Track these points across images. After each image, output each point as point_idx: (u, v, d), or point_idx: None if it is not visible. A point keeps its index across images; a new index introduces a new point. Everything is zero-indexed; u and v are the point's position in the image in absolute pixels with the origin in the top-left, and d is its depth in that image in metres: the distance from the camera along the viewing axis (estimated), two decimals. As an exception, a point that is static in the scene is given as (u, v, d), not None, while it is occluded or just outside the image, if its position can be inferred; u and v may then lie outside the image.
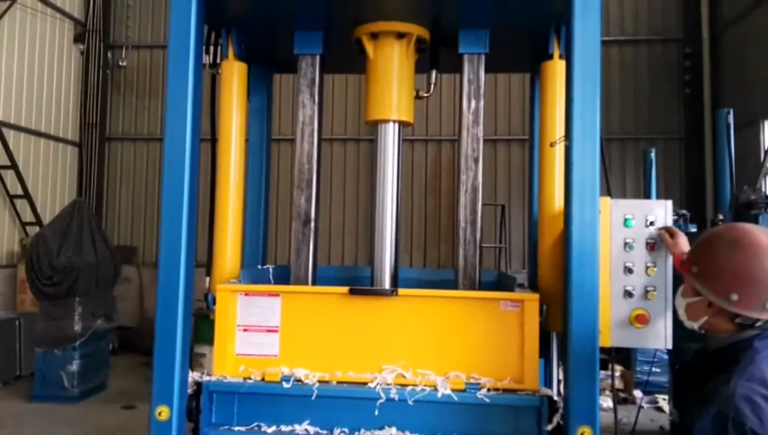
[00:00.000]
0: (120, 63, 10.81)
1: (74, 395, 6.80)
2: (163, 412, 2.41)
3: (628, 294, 2.50)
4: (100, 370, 7.35)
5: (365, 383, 2.43)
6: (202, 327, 6.18)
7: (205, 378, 2.49)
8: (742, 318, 1.67)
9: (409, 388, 2.39)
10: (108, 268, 7.12)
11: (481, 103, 2.82)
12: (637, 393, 7.05)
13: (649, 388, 6.82)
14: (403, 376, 2.43)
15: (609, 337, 2.46)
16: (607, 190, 2.60)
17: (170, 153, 2.44)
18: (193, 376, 2.49)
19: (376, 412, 2.39)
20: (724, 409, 1.54)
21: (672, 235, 2.43)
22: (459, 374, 2.42)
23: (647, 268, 2.49)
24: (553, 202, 2.78)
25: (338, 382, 2.45)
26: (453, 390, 2.37)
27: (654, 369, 6.85)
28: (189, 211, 2.46)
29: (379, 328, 2.51)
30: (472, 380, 2.41)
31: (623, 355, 7.60)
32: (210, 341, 2.62)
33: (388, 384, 2.41)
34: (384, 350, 2.48)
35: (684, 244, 2.38)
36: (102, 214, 10.56)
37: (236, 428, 2.48)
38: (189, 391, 2.45)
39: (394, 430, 2.39)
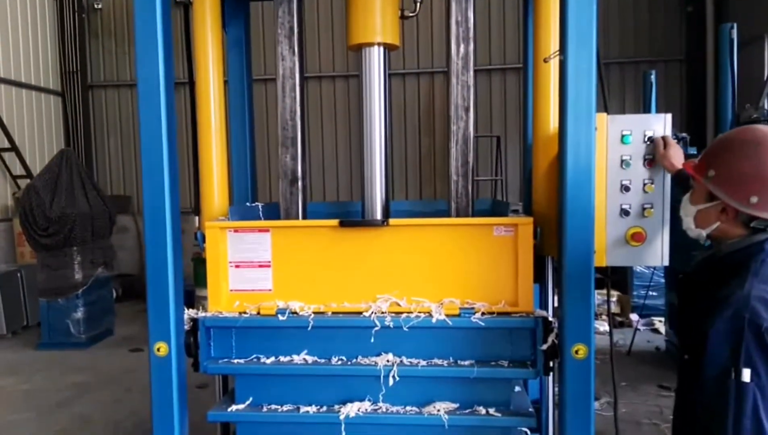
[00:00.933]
0: (95, 5, 10.45)
1: (82, 341, 6.93)
2: (161, 348, 2.42)
3: (625, 212, 2.46)
4: (106, 316, 7.46)
5: (360, 313, 2.43)
6: (200, 271, 6.22)
7: (201, 314, 2.49)
8: (758, 221, 1.63)
9: (404, 315, 2.40)
10: (102, 217, 7.11)
11: (471, 46, 2.65)
12: (633, 316, 7.17)
13: (645, 312, 6.93)
14: (398, 305, 2.44)
15: (605, 256, 2.45)
16: (605, 108, 2.52)
17: (144, 94, 2.33)
18: (189, 313, 2.50)
19: (372, 340, 2.40)
20: (740, 311, 1.52)
21: (666, 145, 2.37)
22: (453, 300, 2.43)
23: (644, 185, 2.45)
24: (548, 124, 2.69)
25: (333, 313, 2.46)
26: (447, 315, 2.37)
27: (651, 293, 6.94)
28: (169, 148, 2.38)
29: (371, 259, 2.49)
30: (466, 305, 2.41)
31: (619, 278, 7.69)
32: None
33: (382, 312, 2.41)
34: (377, 281, 2.47)
35: (676, 156, 2.33)
36: (92, 164, 10.45)
37: (235, 361, 2.50)
38: (186, 327, 2.46)
39: (390, 356, 2.42)
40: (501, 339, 2.41)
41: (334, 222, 2.50)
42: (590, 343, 2.30)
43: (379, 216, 2.75)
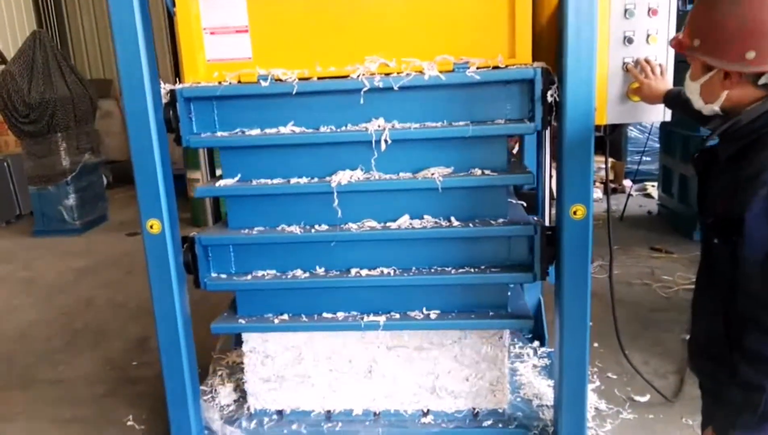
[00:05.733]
0: None
1: (77, 228, 6.94)
2: (154, 226, 2.39)
3: (626, 67, 2.34)
4: (98, 202, 7.43)
5: (347, 76, 2.32)
6: (189, 152, 6.11)
7: (179, 85, 2.38)
8: (766, 76, 1.47)
9: (395, 74, 2.29)
10: (84, 101, 6.85)
11: None
12: (627, 182, 7.18)
13: (638, 177, 6.93)
14: (387, 65, 2.32)
15: (605, 114, 2.35)
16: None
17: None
18: (166, 85, 2.38)
19: (362, 103, 2.32)
20: None
21: (652, 70, 2.24)
22: (447, 57, 2.30)
23: (648, 36, 2.30)
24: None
25: (319, 78, 2.35)
26: (441, 72, 2.26)
27: (644, 158, 6.91)
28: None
29: (357, 18, 2.33)
30: (460, 62, 2.28)
31: (615, 137, 7.61)
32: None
33: (372, 73, 2.30)
34: (365, 41, 2.33)
35: (657, 83, 2.21)
36: (67, 46, 9.94)
37: (219, 134, 2.45)
38: (163, 100, 2.36)
39: (381, 120, 2.36)
40: (498, 96, 2.32)
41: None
42: (588, 204, 2.28)
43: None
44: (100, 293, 5.16)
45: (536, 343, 3.39)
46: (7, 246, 6.77)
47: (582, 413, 2.44)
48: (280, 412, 2.75)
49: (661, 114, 2.38)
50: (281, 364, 2.68)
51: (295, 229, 2.46)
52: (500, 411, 2.66)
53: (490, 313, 2.48)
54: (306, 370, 2.68)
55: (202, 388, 2.86)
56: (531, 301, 3.51)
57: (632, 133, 7.39)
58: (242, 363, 3.18)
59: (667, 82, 2.25)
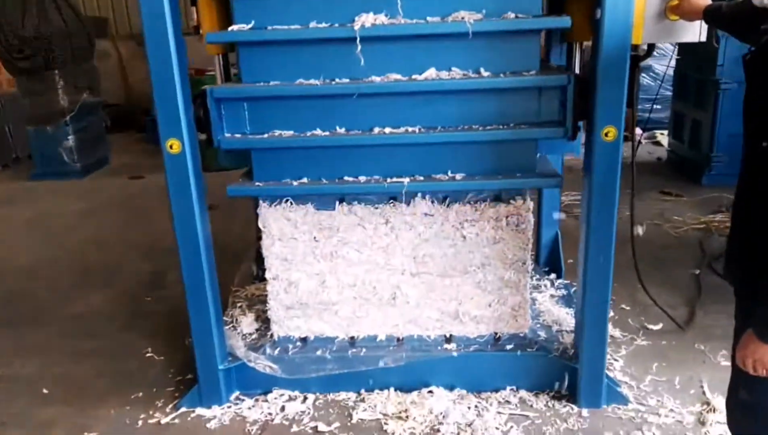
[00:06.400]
0: None
1: (77, 170, 6.83)
2: (174, 145, 2.33)
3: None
4: (99, 144, 7.30)
5: None
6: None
7: None
8: None
9: None
10: (81, 37, 6.66)
11: None
12: (637, 130, 7.13)
13: (649, 126, 6.87)
14: None
15: (641, 33, 2.29)
16: None
17: None
18: None
19: None
20: None
21: None
22: None
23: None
24: None
25: None
26: None
27: (655, 106, 6.84)
28: None
29: None
30: None
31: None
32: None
33: None
34: None
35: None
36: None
37: None
38: None
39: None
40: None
41: None
42: (620, 126, 2.25)
43: None
44: (107, 233, 5.12)
45: (553, 275, 3.41)
46: (6, 189, 6.66)
47: (603, 333, 2.46)
48: (303, 339, 2.76)
49: (697, 34, 2.32)
50: (305, 292, 2.68)
51: (315, 83, 2.35)
52: (521, 335, 2.69)
53: (518, 175, 2.43)
54: (330, 298, 2.68)
55: (223, 318, 2.87)
56: (548, 235, 3.52)
57: (644, 80, 7.29)
58: (261, 295, 3.21)
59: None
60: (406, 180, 2.40)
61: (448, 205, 2.54)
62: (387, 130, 2.37)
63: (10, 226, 5.52)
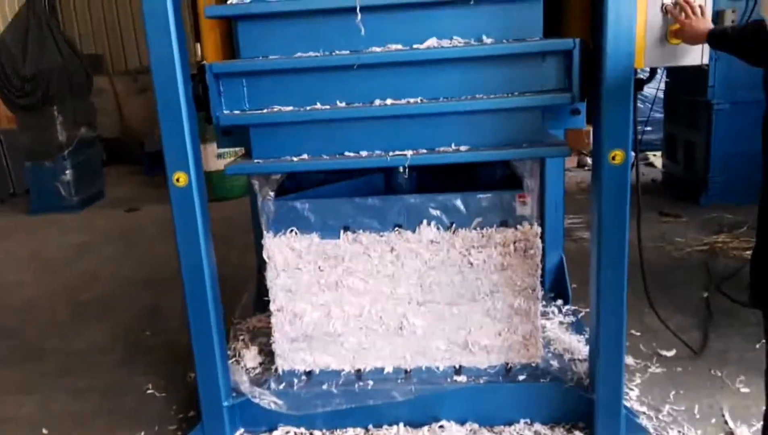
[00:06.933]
0: None
1: (74, 204, 6.81)
2: (180, 178, 2.30)
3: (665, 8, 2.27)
4: (95, 178, 7.30)
5: None
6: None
7: None
8: None
9: None
10: (79, 73, 6.70)
11: None
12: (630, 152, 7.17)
13: (642, 148, 6.91)
14: None
15: (642, 57, 2.29)
16: None
17: None
18: None
19: None
20: None
21: (692, 10, 2.14)
22: None
23: (688, -26, 2.23)
24: None
25: None
26: None
27: (647, 128, 6.88)
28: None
29: None
30: None
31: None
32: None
33: None
34: None
35: (698, 23, 2.12)
36: (58, 21, 9.69)
37: None
38: None
39: None
40: None
41: None
42: (627, 149, 2.23)
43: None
44: (104, 267, 5.07)
45: (560, 302, 3.36)
46: (3, 224, 6.63)
47: (619, 360, 2.38)
48: (309, 373, 2.69)
49: (699, 56, 2.32)
50: (309, 323, 2.63)
51: (314, 55, 2.31)
52: (533, 365, 2.63)
53: (524, 145, 2.34)
54: (335, 329, 2.62)
55: (225, 351, 2.80)
56: (553, 260, 3.48)
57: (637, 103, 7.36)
58: (263, 328, 3.15)
59: (708, 22, 2.19)
60: (409, 153, 2.32)
61: (454, 232, 2.50)
62: (388, 101, 2.31)
63: (7, 260, 5.46)
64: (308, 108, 2.32)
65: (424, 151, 2.34)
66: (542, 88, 2.29)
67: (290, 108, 2.34)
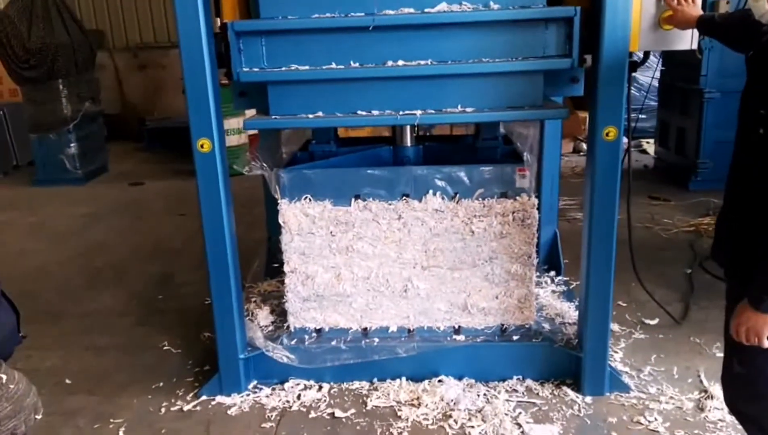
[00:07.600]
0: None
1: (79, 177, 6.94)
2: (204, 145, 2.47)
3: (660, -7, 2.44)
4: (99, 152, 7.42)
5: None
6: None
7: None
8: None
9: None
10: (84, 49, 6.79)
11: None
12: (624, 139, 7.36)
13: (635, 134, 7.11)
14: None
15: (637, 41, 2.47)
16: None
17: None
18: None
19: None
20: None
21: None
22: None
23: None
24: None
25: None
26: None
27: (641, 116, 7.08)
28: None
29: None
30: None
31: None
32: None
33: None
34: None
35: (694, 9, 2.29)
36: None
37: None
38: None
39: None
40: None
41: None
42: (620, 126, 2.42)
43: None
44: (112, 237, 5.22)
45: (552, 273, 3.57)
46: (8, 195, 6.74)
47: (606, 323, 2.61)
48: (319, 330, 2.89)
49: (689, 42, 2.51)
50: (320, 284, 2.81)
51: (330, 16, 2.45)
52: (527, 326, 2.84)
53: (526, 107, 2.50)
54: (344, 290, 2.81)
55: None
56: (547, 235, 3.69)
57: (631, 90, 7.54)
58: (273, 291, 3.34)
59: (698, 8, 2.36)
60: (418, 112, 2.48)
61: (457, 202, 2.69)
62: (400, 63, 2.46)
63: (15, 229, 5.60)
64: (324, 67, 2.47)
65: (432, 111, 2.50)
66: (544, 53, 2.45)
67: (306, 67, 2.48)
